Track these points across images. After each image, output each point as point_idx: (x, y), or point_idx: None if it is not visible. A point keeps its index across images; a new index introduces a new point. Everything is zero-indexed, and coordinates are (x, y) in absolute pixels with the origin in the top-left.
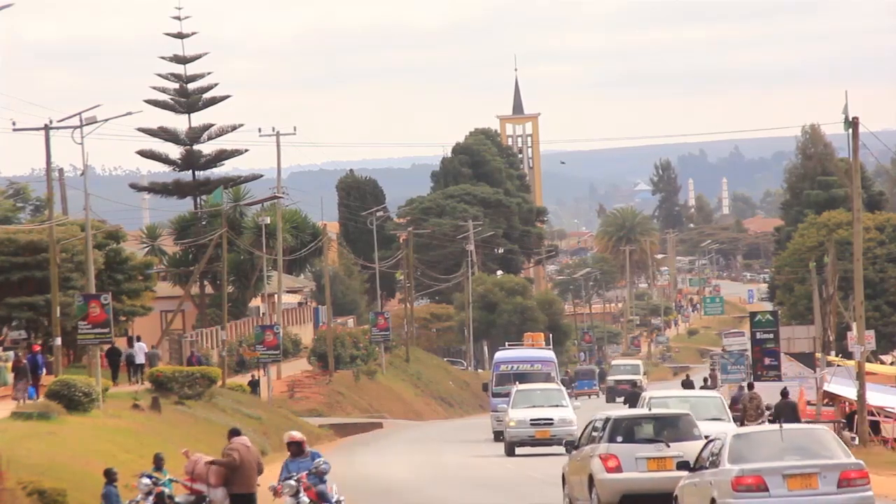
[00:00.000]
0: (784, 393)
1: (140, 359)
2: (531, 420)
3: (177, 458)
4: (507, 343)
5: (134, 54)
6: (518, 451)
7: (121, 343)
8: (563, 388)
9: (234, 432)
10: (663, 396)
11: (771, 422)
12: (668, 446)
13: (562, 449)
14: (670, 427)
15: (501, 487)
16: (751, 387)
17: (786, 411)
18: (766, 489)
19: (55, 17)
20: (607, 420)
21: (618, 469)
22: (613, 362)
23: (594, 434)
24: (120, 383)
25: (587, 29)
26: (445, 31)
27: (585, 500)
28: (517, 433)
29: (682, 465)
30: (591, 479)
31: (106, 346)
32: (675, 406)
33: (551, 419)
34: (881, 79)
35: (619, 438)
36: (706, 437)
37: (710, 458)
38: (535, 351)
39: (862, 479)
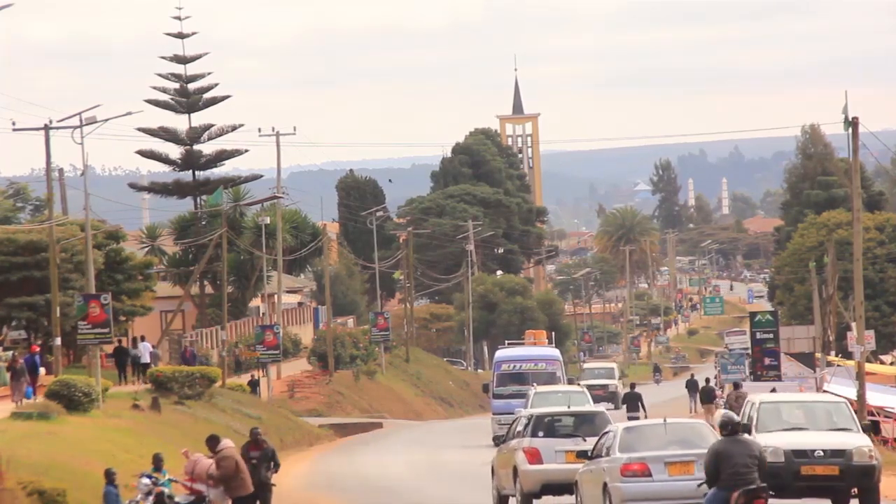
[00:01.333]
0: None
1: (145, 358)
2: None
3: (177, 458)
4: (507, 341)
5: (134, 54)
6: None
7: (127, 343)
8: (586, 391)
9: (215, 439)
10: (775, 401)
11: None
12: (585, 440)
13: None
14: (587, 423)
15: None
16: (738, 386)
17: None
18: (650, 474)
19: (55, 16)
20: (531, 417)
21: (539, 461)
22: (585, 366)
23: (519, 430)
24: (127, 382)
25: (587, 29)
26: (445, 31)
27: (511, 489)
28: None
29: (582, 454)
30: (515, 470)
31: (108, 347)
32: (789, 415)
33: None
34: (881, 79)
35: (541, 434)
36: (604, 431)
37: (605, 448)
38: (538, 349)
39: None
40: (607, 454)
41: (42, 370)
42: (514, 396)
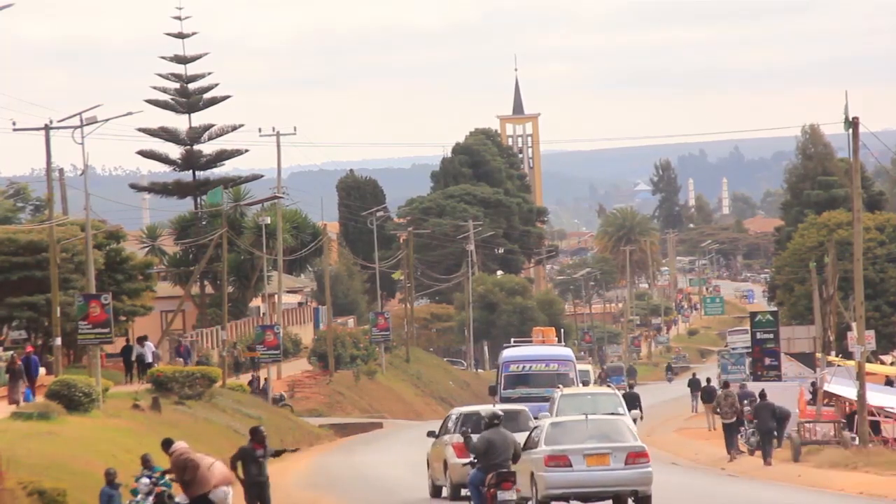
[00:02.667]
0: (762, 395)
1: (149, 358)
2: None
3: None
4: (512, 339)
5: (134, 54)
6: None
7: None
8: (618, 393)
9: (169, 442)
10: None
11: (750, 421)
12: None
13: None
14: (511, 420)
15: None
16: (726, 385)
17: (763, 413)
18: (570, 465)
19: (55, 16)
20: (460, 415)
21: (466, 455)
22: None
23: (450, 426)
24: (133, 381)
25: (587, 29)
26: (445, 32)
27: (443, 480)
28: None
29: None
30: (445, 463)
31: (110, 346)
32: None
33: None
34: (881, 79)
35: (468, 429)
36: (533, 427)
37: (534, 441)
38: (549, 348)
39: (643, 459)
40: (535, 447)
41: (42, 370)
42: (523, 399)
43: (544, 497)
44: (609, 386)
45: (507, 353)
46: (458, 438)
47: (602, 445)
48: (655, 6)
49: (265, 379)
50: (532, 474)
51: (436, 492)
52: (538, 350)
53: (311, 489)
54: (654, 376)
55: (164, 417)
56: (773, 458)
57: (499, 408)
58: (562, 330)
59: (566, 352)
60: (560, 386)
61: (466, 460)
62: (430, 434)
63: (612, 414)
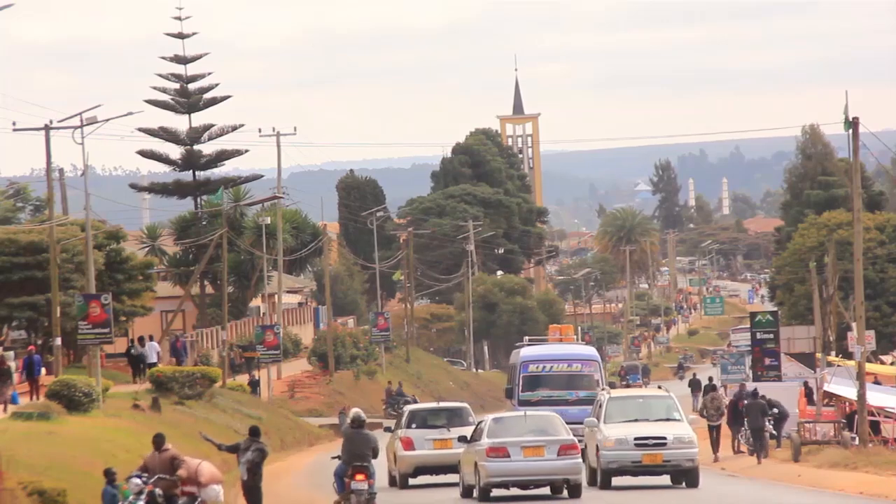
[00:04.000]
0: (754, 394)
1: (152, 358)
2: (636, 439)
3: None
4: (526, 338)
5: (134, 55)
6: (615, 481)
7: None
8: (673, 397)
9: (161, 438)
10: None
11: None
12: (449, 430)
13: (671, 479)
14: (454, 416)
15: None
16: (714, 388)
17: (752, 411)
18: (508, 455)
19: (55, 17)
20: (409, 412)
21: (411, 447)
22: None
23: (402, 422)
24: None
25: (587, 29)
26: (445, 31)
27: (394, 470)
28: (616, 457)
29: (462, 439)
30: (395, 455)
31: (110, 347)
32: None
33: (664, 438)
34: (881, 79)
35: (414, 425)
36: (479, 421)
37: (478, 435)
38: (570, 347)
39: (574, 451)
40: (479, 439)
41: (42, 370)
42: (544, 403)
43: (486, 484)
44: (659, 387)
45: (526, 353)
46: (404, 434)
47: (537, 438)
48: (655, 6)
49: (256, 376)
50: (476, 464)
51: (391, 482)
52: (559, 349)
53: (310, 489)
54: (656, 376)
55: (164, 417)
56: (770, 457)
57: (442, 405)
58: (579, 328)
59: (590, 351)
60: (606, 387)
61: (412, 452)
62: (387, 430)
63: (667, 420)
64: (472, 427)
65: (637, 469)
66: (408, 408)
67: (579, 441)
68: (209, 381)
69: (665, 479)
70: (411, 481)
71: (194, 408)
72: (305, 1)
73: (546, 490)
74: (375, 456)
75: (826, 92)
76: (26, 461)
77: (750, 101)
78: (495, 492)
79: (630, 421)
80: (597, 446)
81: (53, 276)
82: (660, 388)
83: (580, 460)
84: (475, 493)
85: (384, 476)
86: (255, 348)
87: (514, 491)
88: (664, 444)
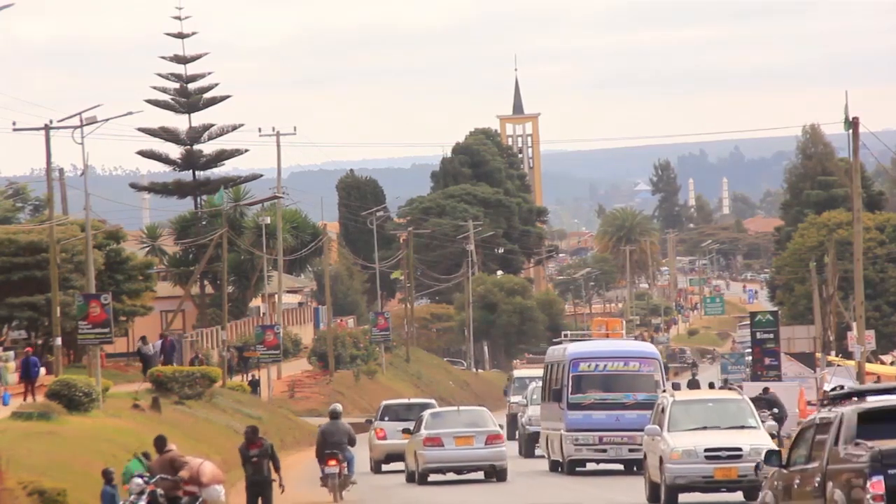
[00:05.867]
0: (764, 391)
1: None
2: (706, 451)
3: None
4: (566, 333)
5: (134, 54)
6: (683, 497)
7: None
8: (748, 401)
9: (162, 440)
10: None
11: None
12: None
13: (744, 495)
14: (424, 410)
15: (500, 487)
16: (695, 385)
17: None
18: (442, 444)
19: (55, 16)
20: (384, 406)
21: (384, 438)
22: (515, 373)
23: (378, 415)
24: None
25: (587, 29)
26: (445, 31)
27: (370, 455)
28: (684, 472)
29: (405, 431)
30: (371, 443)
31: (108, 346)
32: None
33: (739, 449)
34: (881, 79)
35: (387, 418)
36: (420, 416)
37: (419, 426)
38: (625, 343)
39: (499, 440)
40: (419, 431)
41: (42, 370)
42: (597, 406)
43: (423, 470)
44: (731, 387)
45: (574, 349)
46: (378, 425)
47: (468, 430)
48: (655, 6)
49: (256, 376)
50: (415, 452)
51: (374, 466)
52: (612, 345)
53: (310, 489)
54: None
55: (164, 417)
56: None
57: (413, 400)
58: (624, 321)
59: (649, 349)
60: (667, 389)
61: (384, 442)
62: (368, 422)
63: (742, 427)
64: None
65: (708, 485)
66: (384, 403)
67: (639, 450)
68: (209, 381)
69: (738, 496)
70: (384, 467)
71: (194, 408)
72: (306, 1)
73: (480, 475)
74: (352, 444)
75: (826, 92)
76: (26, 461)
77: (750, 101)
78: (433, 476)
79: (698, 429)
80: (660, 458)
81: (53, 276)
82: (731, 388)
83: (504, 449)
84: (415, 478)
85: (484, 497)
86: (256, 348)
87: (451, 476)
88: (739, 457)
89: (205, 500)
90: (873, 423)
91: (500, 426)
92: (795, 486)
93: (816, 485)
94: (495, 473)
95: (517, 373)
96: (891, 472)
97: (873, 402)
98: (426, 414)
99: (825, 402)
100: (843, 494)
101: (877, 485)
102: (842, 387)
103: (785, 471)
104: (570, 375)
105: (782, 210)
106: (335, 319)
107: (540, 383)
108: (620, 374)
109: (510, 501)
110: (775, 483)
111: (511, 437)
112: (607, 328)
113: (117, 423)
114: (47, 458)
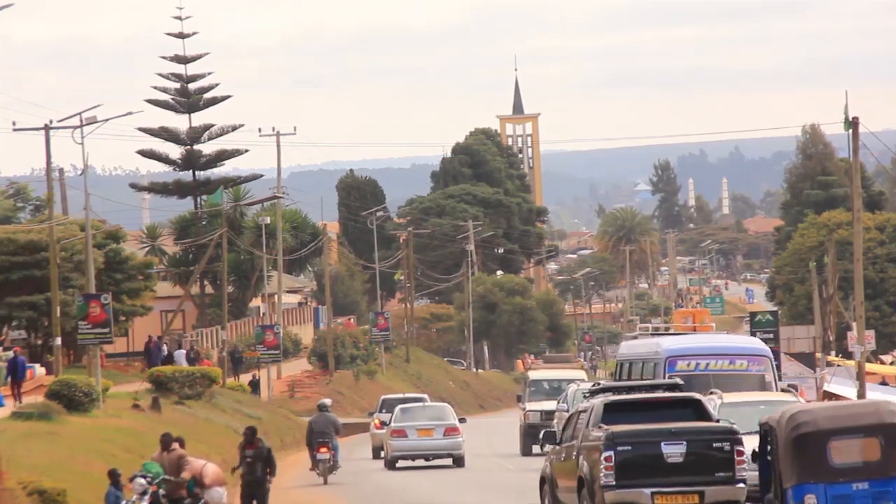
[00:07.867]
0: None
1: (181, 362)
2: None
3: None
4: (644, 325)
5: (134, 54)
6: None
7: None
8: (803, 403)
9: (168, 438)
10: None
11: None
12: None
13: None
14: (391, 408)
15: (500, 489)
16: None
17: None
18: (406, 436)
19: (54, 17)
20: (381, 400)
21: (382, 428)
22: (531, 374)
23: (377, 408)
24: None
25: (587, 29)
26: (445, 31)
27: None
28: None
29: (383, 423)
30: (371, 433)
31: (107, 346)
32: None
33: None
34: (881, 79)
35: (384, 411)
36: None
37: (390, 420)
38: (728, 338)
39: (457, 432)
40: (389, 424)
41: (42, 370)
42: None
43: (391, 457)
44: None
45: (669, 345)
46: (377, 416)
47: (430, 423)
48: (655, 6)
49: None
50: (384, 442)
51: (374, 452)
52: (716, 340)
53: (310, 489)
54: None
55: (165, 417)
56: None
57: (408, 395)
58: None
59: (757, 344)
60: (714, 391)
61: (380, 431)
62: (370, 414)
63: None
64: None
65: None
66: (383, 397)
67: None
68: (209, 381)
69: None
70: (382, 453)
71: (194, 408)
72: (305, 1)
73: (447, 461)
74: (339, 433)
75: (826, 92)
76: (26, 461)
77: (750, 101)
78: (401, 463)
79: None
80: None
81: (53, 275)
82: (786, 390)
83: (461, 440)
84: (387, 465)
85: (415, 482)
86: (256, 348)
87: (420, 462)
88: None
89: (207, 501)
90: (616, 412)
91: (462, 420)
92: (562, 459)
93: (573, 457)
94: (454, 460)
95: (533, 374)
96: (620, 448)
97: (617, 397)
98: (397, 409)
99: (586, 394)
100: (587, 465)
101: (608, 458)
102: (599, 383)
103: (557, 447)
104: (667, 377)
105: (782, 210)
106: (341, 320)
107: (580, 386)
108: (726, 375)
109: (459, 481)
110: (552, 457)
111: (527, 452)
112: (694, 320)
113: (117, 423)
114: (47, 458)
